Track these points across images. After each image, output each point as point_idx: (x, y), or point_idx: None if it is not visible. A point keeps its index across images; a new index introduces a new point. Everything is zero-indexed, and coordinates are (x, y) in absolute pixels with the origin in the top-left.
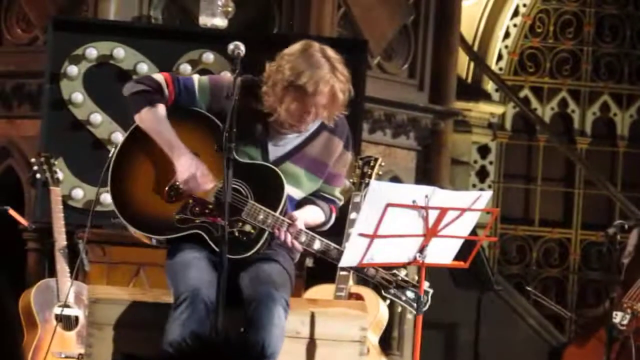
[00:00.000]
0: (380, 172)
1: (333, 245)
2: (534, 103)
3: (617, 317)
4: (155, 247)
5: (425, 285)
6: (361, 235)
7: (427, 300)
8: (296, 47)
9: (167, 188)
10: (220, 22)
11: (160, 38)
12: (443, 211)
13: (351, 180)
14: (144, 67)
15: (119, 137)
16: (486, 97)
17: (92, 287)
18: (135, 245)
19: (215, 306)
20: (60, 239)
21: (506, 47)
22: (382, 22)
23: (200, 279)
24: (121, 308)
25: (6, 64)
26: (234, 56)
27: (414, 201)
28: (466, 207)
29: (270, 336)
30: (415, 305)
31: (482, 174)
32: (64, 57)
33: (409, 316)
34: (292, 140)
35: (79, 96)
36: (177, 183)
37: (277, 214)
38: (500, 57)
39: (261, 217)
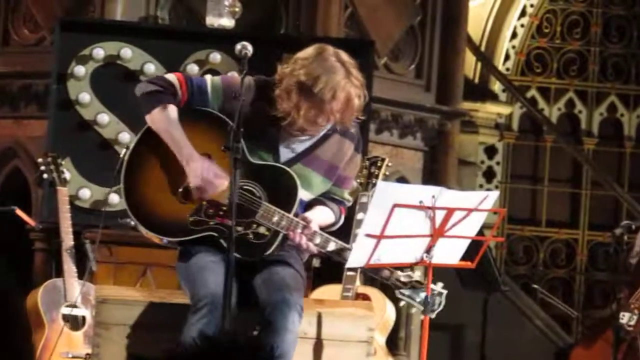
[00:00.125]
0: (387, 173)
1: (347, 246)
2: (541, 103)
3: (624, 317)
4: (164, 247)
5: (439, 286)
6: (368, 235)
7: (442, 302)
8: (310, 51)
9: (180, 189)
10: (227, 22)
11: (167, 38)
12: (450, 211)
13: (358, 180)
14: (151, 68)
15: (126, 137)
16: (493, 97)
17: (99, 287)
18: (142, 246)
19: (235, 312)
20: (67, 239)
21: (513, 47)
22: (388, 22)
23: (220, 285)
24: (128, 308)
25: (13, 64)
26: (241, 56)
27: (420, 201)
28: (473, 208)
29: (283, 342)
30: (429, 306)
31: (489, 175)
32: (71, 57)
33: (422, 316)
34: (303, 143)
35: (86, 96)
36: (190, 186)
37: (291, 215)
38: (507, 58)
39: (275, 218)
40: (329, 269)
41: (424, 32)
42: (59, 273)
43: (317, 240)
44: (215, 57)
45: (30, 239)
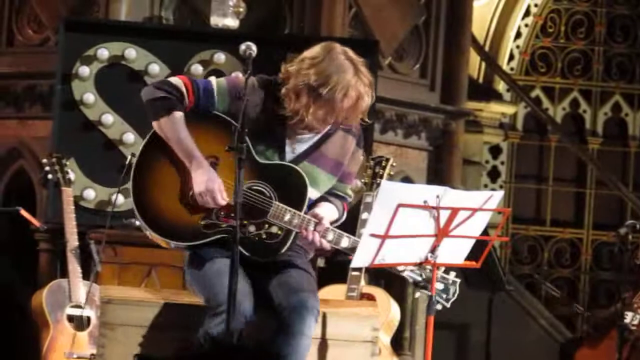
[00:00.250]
0: (392, 173)
1: (360, 240)
2: (546, 103)
3: (628, 317)
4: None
5: (452, 275)
6: (372, 235)
7: (456, 291)
8: (318, 49)
9: (190, 193)
10: (232, 22)
11: (171, 38)
12: (454, 211)
13: (363, 180)
14: (155, 68)
15: (130, 137)
16: (497, 97)
17: (104, 288)
18: (146, 246)
19: (252, 319)
20: (72, 239)
21: (517, 47)
22: (393, 22)
23: (240, 291)
24: (133, 308)
25: (17, 64)
26: (245, 56)
27: (425, 201)
28: (477, 207)
29: (299, 346)
30: (444, 296)
31: (494, 174)
32: (75, 57)
33: (439, 306)
34: (308, 140)
35: (90, 97)
36: (195, 191)
37: (302, 213)
38: (511, 57)
39: (287, 217)
40: (334, 269)
41: (429, 32)
42: (64, 273)
43: (330, 236)
44: (220, 57)
45: (35, 239)
